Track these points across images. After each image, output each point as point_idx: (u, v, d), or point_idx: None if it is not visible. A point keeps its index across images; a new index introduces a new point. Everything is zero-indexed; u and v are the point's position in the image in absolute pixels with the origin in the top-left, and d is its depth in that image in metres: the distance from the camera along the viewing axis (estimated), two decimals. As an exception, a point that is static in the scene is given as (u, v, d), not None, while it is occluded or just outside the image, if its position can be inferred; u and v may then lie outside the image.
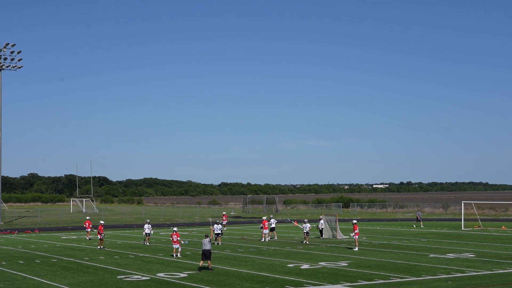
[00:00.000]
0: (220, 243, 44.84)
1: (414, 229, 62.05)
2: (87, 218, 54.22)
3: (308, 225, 46.84)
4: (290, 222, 53.07)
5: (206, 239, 31.51)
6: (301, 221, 50.69)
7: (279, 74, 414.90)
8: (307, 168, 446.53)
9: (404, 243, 45.28)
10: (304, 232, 46.37)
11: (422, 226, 65.74)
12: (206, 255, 31.02)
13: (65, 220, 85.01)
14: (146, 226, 46.64)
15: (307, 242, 45.70)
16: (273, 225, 50.04)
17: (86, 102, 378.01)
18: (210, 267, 31.13)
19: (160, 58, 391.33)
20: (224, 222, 61.05)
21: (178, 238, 37.10)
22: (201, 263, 31.29)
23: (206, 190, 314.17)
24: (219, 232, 45.36)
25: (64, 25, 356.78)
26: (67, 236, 55.92)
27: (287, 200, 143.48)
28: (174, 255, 37.00)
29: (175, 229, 37.94)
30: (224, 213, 64.93)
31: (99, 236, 43.70)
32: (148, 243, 46.17)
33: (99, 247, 43.51)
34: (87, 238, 51.74)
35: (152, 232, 46.99)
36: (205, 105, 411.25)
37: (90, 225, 52.43)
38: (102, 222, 46.00)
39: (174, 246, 37.10)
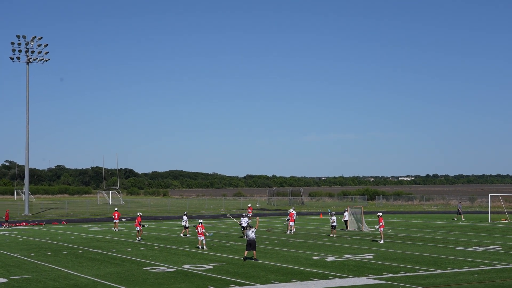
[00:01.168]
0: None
1: (455, 222, 61.25)
2: (116, 209, 54.76)
3: (334, 217, 46.65)
4: (330, 213, 53.13)
5: (251, 230, 32.06)
6: (328, 214, 50.67)
7: (304, 68, 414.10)
8: (333, 161, 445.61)
9: (430, 236, 45.05)
10: (331, 225, 46.24)
11: (463, 219, 63.95)
12: (251, 245, 31.62)
13: (92, 212, 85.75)
14: (185, 218, 47.14)
15: (334, 236, 45.52)
16: (244, 224, 49.95)
17: (112, 95, 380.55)
18: (255, 257, 31.84)
19: (185, 50, 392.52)
20: (250, 215, 61.01)
21: (204, 230, 37.24)
22: (245, 253, 31.90)
23: (231, 183, 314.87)
24: (246, 225, 44.45)
25: (90, 18, 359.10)
26: (94, 227, 56.41)
27: (313, 193, 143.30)
28: (200, 247, 37.13)
29: (200, 221, 38.07)
30: (249, 205, 64.90)
31: (138, 228, 43.90)
32: (188, 235, 46.52)
33: (138, 238, 43.83)
34: (115, 229, 52.19)
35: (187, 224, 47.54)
36: (230, 97, 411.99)
37: (119, 216, 53.03)
38: (140, 213, 46.36)
39: (199, 238, 37.21)
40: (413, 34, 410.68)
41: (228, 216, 68.52)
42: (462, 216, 65.48)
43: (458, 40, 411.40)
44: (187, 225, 46.61)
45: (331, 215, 47.09)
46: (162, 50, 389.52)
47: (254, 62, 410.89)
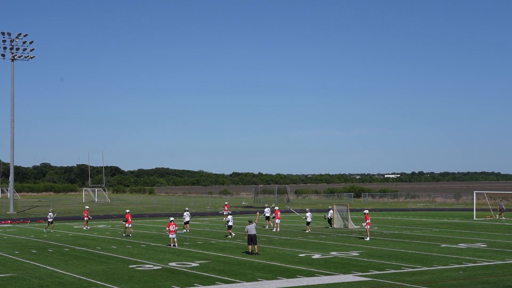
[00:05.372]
0: (231, 235, 43.28)
1: (500, 219, 59.85)
2: (86, 207, 54.76)
3: (309, 214, 47.42)
4: (290, 210, 53.43)
5: (252, 225, 32.64)
6: (304, 211, 51.13)
7: (291, 63, 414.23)
8: (319, 158, 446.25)
9: (415, 233, 45.22)
10: (306, 222, 47.35)
11: (502, 217, 61.42)
12: (252, 239, 32.37)
13: (78, 209, 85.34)
14: (185, 214, 48.02)
15: (308, 231, 46.51)
16: (267, 214, 50.36)
17: (98, 92, 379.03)
18: (256, 252, 32.53)
19: (170, 46, 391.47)
20: (226, 213, 60.94)
21: (176, 228, 37.36)
22: (249, 248, 32.66)
23: (217, 180, 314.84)
24: (232, 224, 43.56)
25: (75, 14, 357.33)
26: (80, 225, 56.14)
27: (299, 190, 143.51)
28: (172, 245, 37.05)
29: (171, 218, 38.11)
30: (226, 203, 64.78)
31: (129, 225, 44.44)
32: (187, 230, 47.41)
33: (128, 235, 44.29)
34: (84, 227, 52.03)
35: (189, 219, 48.71)
36: (216, 94, 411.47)
37: (87, 214, 52.94)
38: (128, 210, 46.46)
39: (170, 236, 37.14)
40: (403, 31, 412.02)
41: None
42: (502, 214, 62.73)
43: (450, 35, 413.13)
44: (187, 220, 47.80)
45: (305, 212, 48.02)
46: (148, 47, 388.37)
47: (240, 59, 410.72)
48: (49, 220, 49.67)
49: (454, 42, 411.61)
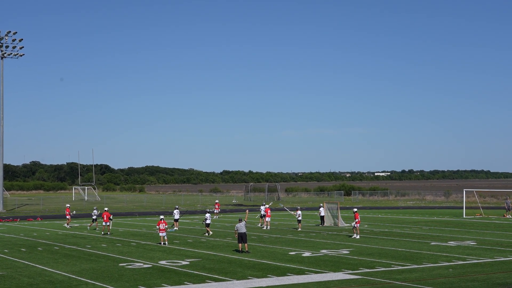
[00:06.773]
0: (209, 233, 43.40)
1: (508, 218, 59.00)
2: (67, 205, 54.84)
3: (299, 212, 47.95)
4: (283, 208, 53.41)
5: (242, 223, 32.73)
6: (294, 209, 51.18)
7: (281, 62, 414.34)
8: (309, 156, 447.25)
9: (405, 231, 45.32)
10: (297, 220, 47.71)
11: (510, 216, 60.65)
12: (242, 238, 32.45)
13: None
14: (175, 211, 48.51)
15: (299, 229, 46.91)
16: (263, 212, 50.44)
17: (88, 90, 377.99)
18: (247, 250, 32.62)
19: (163, 44, 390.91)
20: (216, 211, 60.85)
21: (166, 226, 37.29)
22: (240, 247, 32.71)
23: (208, 178, 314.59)
24: (209, 222, 43.82)
25: (65, 12, 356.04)
26: (69, 223, 55.95)
27: (289, 188, 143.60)
28: (162, 243, 37.02)
29: (161, 217, 38.06)
30: (216, 201, 64.70)
31: (107, 223, 44.45)
32: (176, 228, 47.61)
33: (104, 233, 44.42)
34: (66, 225, 52.11)
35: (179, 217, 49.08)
36: (207, 93, 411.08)
37: (68, 212, 53.07)
38: (106, 209, 46.47)
39: (160, 234, 37.09)
40: (395, 28, 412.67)
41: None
42: (510, 212, 61.70)
43: (441, 33, 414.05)
44: (176, 218, 48.09)
45: (297, 210, 48.78)
46: (137, 46, 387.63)
47: (230, 58, 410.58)
48: (94, 217, 49.55)
49: (451, 41, 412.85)
